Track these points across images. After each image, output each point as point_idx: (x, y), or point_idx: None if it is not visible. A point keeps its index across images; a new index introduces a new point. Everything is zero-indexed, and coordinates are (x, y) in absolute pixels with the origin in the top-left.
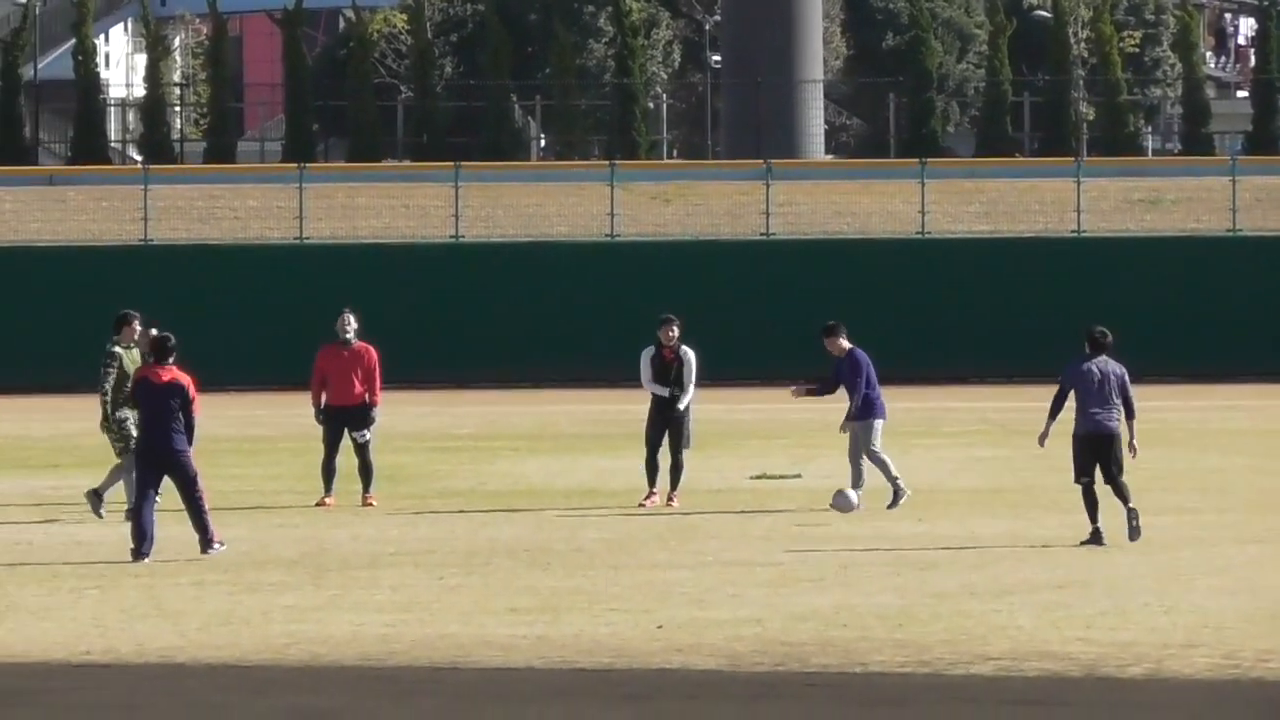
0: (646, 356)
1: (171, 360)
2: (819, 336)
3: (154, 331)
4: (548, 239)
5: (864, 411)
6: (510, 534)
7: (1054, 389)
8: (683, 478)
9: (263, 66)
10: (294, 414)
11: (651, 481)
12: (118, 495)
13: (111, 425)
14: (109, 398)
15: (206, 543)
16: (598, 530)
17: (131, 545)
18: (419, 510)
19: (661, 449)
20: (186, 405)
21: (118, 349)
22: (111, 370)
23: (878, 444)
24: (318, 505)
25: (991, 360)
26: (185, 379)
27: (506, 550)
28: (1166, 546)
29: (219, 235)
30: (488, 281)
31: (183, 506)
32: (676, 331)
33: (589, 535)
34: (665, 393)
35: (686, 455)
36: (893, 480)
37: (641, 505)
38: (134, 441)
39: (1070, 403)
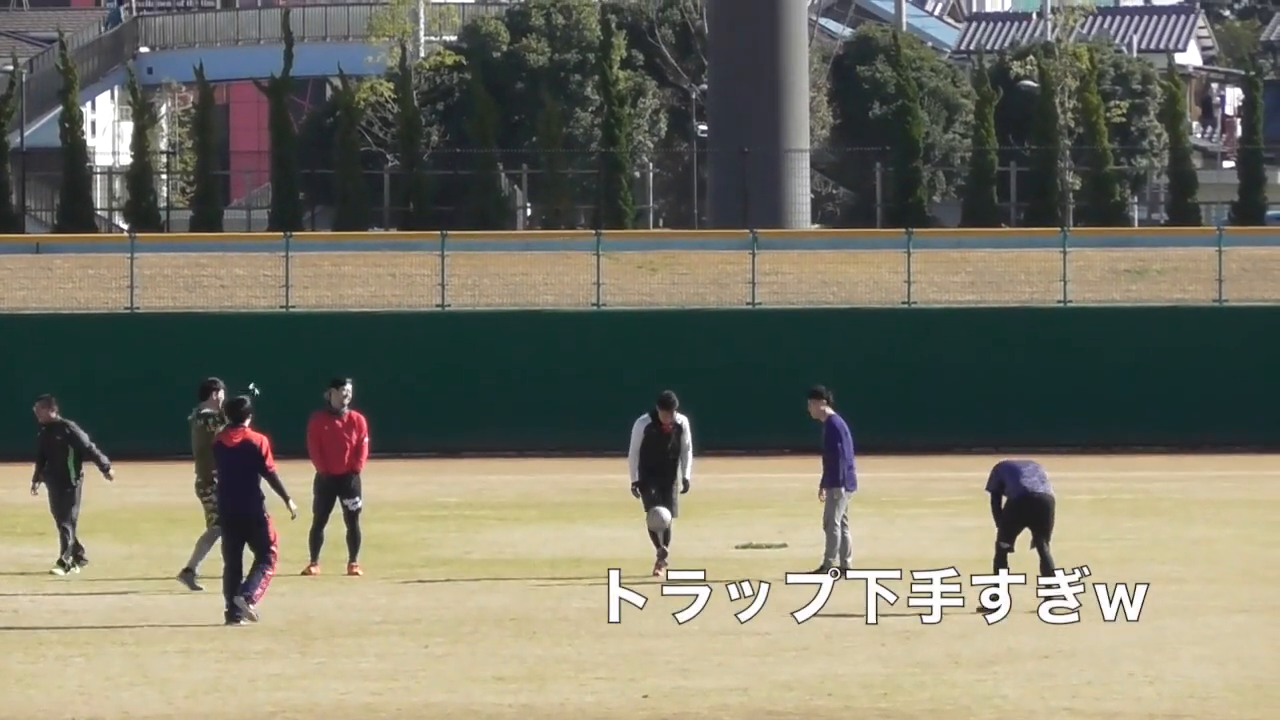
0: (640, 426)
1: (246, 423)
2: (805, 398)
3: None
4: (534, 308)
5: (830, 480)
6: (496, 602)
7: (1034, 458)
8: (669, 544)
9: (249, 135)
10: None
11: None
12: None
13: (207, 492)
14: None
15: (245, 606)
16: (583, 599)
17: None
18: (405, 579)
19: None
20: (260, 465)
21: (211, 411)
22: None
23: (839, 517)
24: (304, 574)
25: (977, 430)
26: (257, 439)
27: (492, 619)
28: (1151, 616)
29: (205, 303)
30: (474, 350)
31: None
32: (674, 416)
33: (575, 604)
34: (666, 519)
35: (673, 524)
36: (843, 557)
37: (655, 574)
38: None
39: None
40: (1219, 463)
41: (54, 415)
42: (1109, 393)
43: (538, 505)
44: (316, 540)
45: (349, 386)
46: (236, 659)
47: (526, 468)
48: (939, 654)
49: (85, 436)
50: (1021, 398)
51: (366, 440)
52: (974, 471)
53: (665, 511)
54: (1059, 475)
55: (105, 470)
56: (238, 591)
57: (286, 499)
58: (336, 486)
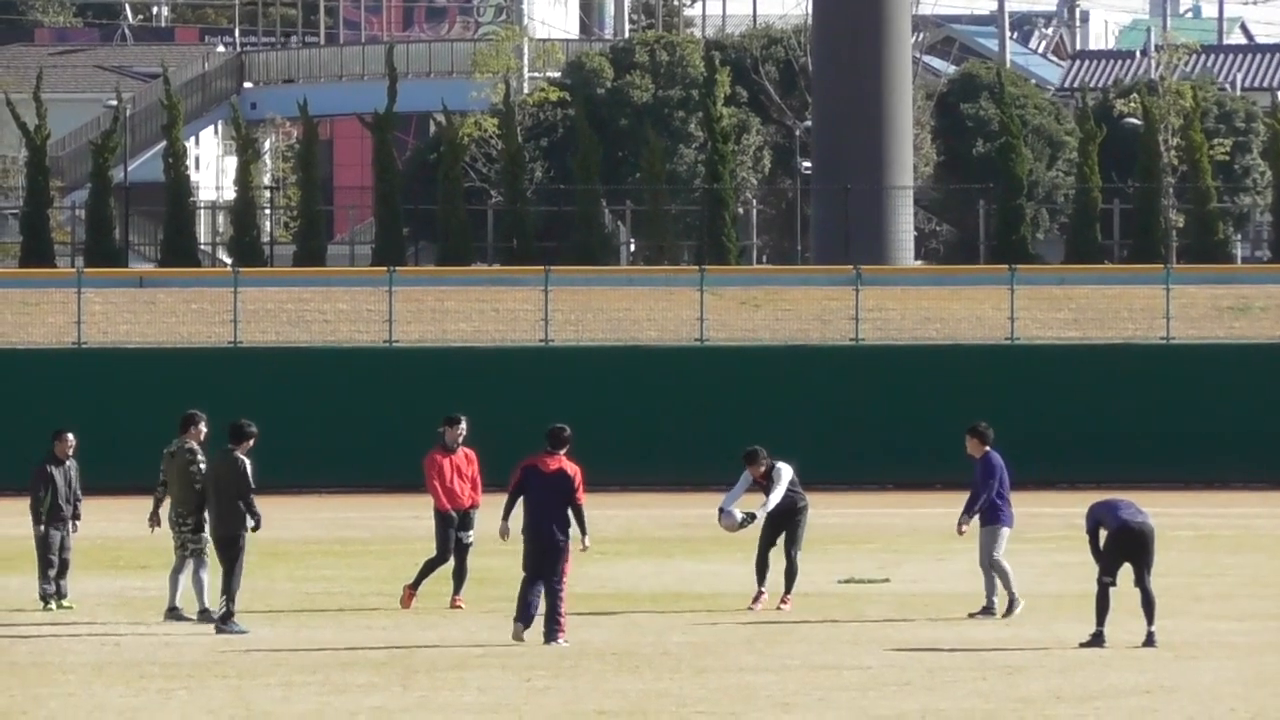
0: (745, 475)
1: (565, 451)
2: (965, 435)
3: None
4: (637, 343)
5: (990, 517)
6: (598, 637)
7: (1136, 494)
8: (796, 581)
9: (353, 170)
10: (383, 516)
11: (761, 580)
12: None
13: (187, 523)
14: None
15: (552, 634)
16: (685, 634)
17: (515, 616)
18: (507, 613)
19: (774, 549)
20: (571, 494)
21: (194, 444)
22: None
23: (1000, 552)
24: (452, 607)
25: (1079, 466)
26: (572, 468)
27: (594, 653)
28: (1253, 652)
29: (308, 338)
30: (576, 385)
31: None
32: (763, 468)
33: (676, 639)
34: (735, 518)
35: (799, 558)
36: (1010, 591)
37: (750, 609)
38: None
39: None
40: None
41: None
42: (1211, 429)
43: (639, 540)
44: (428, 571)
45: (464, 424)
46: (339, 692)
47: (628, 502)
48: (1041, 689)
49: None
50: (1124, 434)
51: (478, 474)
52: (1076, 507)
53: (735, 513)
54: (1160, 510)
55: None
56: (547, 621)
57: (584, 533)
58: (458, 521)
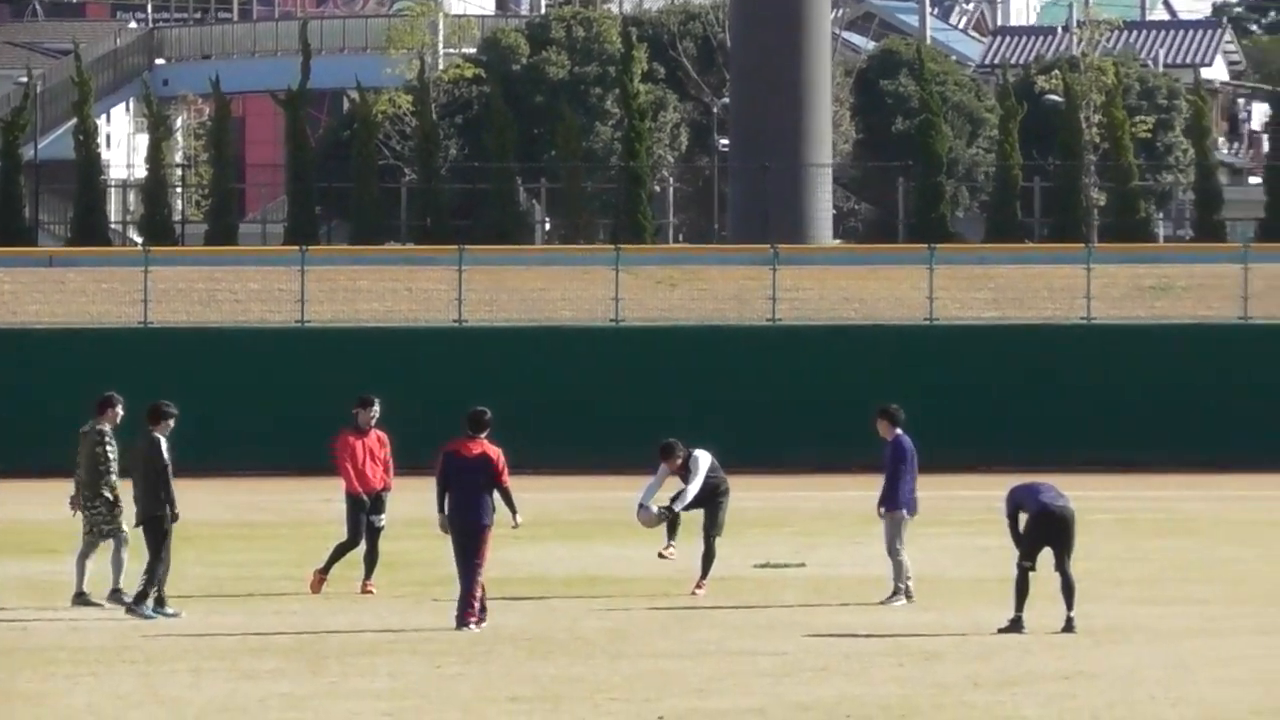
0: (663, 466)
1: (485, 434)
2: (874, 417)
3: None
4: (552, 323)
5: (891, 502)
6: (511, 622)
7: (1056, 477)
8: (713, 566)
9: (265, 148)
10: (294, 499)
11: (671, 535)
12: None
13: (95, 505)
14: (113, 479)
15: (462, 619)
16: (600, 619)
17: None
18: (419, 598)
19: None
20: (496, 478)
21: (107, 427)
22: (114, 450)
23: (901, 542)
24: (363, 592)
25: (999, 448)
26: (494, 451)
27: (507, 638)
28: (1175, 637)
29: (220, 318)
30: (490, 366)
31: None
32: (679, 459)
33: (591, 624)
34: (652, 512)
35: (719, 543)
36: (902, 581)
37: (660, 555)
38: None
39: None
40: (1244, 482)
41: None
42: (1132, 410)
43: (553, 523)
44: (338, 555)
45: (377, 406)
46: (247, 678)
47: (542, 485)
48: (958, 675)
49: None
50: (1044, 415)
51: (390, 456)
52: (996, 490)
53: (652, 507)
54: (1081, 494)
55: None
56: (460, 605)
57: (514, 511)
58: (369, 504)
